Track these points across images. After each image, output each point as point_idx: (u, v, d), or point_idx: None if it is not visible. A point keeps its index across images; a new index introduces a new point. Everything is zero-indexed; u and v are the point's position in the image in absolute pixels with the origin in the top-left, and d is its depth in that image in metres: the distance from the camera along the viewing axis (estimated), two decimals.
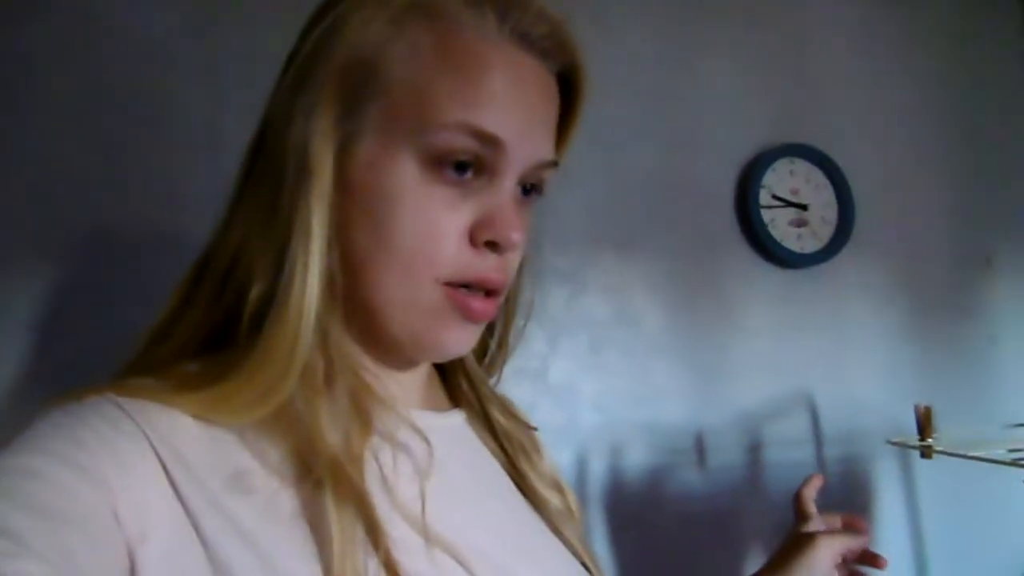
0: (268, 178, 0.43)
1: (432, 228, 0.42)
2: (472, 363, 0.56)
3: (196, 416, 0.38)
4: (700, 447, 1.16)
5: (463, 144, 0.42)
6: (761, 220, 1.24)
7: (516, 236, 0.43)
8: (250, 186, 0.45)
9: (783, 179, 1.28)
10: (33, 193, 0.87)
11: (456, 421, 0.53)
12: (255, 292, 0.41)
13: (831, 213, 1.30)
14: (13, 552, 0.29)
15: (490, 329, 0.56)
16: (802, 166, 1.30)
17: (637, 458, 1.12)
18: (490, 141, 0.42)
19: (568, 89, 0.49)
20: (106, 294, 0.86)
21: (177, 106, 0.93)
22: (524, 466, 0.54)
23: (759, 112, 1.30)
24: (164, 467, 0.36)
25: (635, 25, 1.23)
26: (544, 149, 0.46)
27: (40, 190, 0.87)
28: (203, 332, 0.43)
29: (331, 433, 0.39)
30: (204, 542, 0.35)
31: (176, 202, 0.91)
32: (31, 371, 0.83)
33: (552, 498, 0.54)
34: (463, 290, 0.44)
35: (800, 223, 1.28)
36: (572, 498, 0.57)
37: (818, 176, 1.30)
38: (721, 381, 1.19)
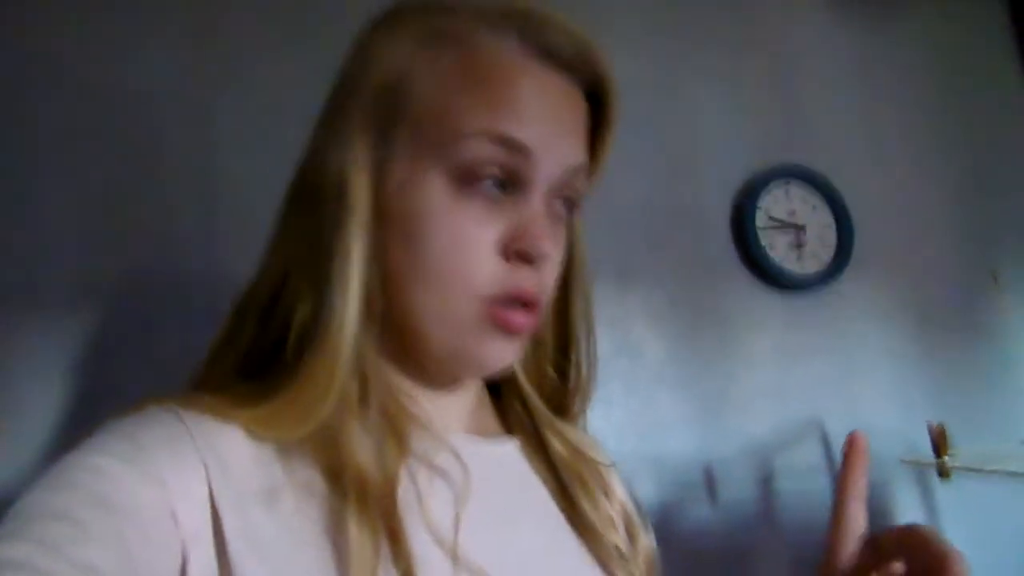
0: (308, 209, 0.44)
1: (463, 244, 0.42)
2: (528, 388, 0.54)
3: (248, 431, 0.40)
4: (710, 481, 1.12)
5: (488, 154, 0.42)
6: (759, 243, 1.22)
7: (546, 246, 0.43)
8: (291, 219, 0.46)
9: (779, 201, 1.26)
10: (34, 237, 0.85)
11: (505, 449, 0.51)
12: (299, 317, 0.42)
13: (829, 234, 1.28)
14: (80, 538, 0.31)
15: (561, 372, 0.55)
16: (797, 188, 1.28)
17: (644, 493, 1.08)
18: (516, 148, 0.42)
19: (598, 105, 0.49)
20: (97, 335, 0.85)
21: (170, 149, 0.92)
22: (580, 500, 0.52)
23: (752, 135, 1.29)
24: (207, 471, 0.37)
25: (625, 52, 1.21)
26: (574, 154, 0.45)
27: (37, 235, 0.85)
28: (252, 358, 0.45)
29: (361, 450, 0.40)
30: (224, 550, 0.36)
31: (169, 242, 0.90)
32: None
33: (611, 536, 0.51)
34: (501, 306, 0.43)
35: (799, 243, 1.26)
36: (642, 541, 0.54)
37: (814, 197, 1.29)
38: (728, 411, 1.16)
